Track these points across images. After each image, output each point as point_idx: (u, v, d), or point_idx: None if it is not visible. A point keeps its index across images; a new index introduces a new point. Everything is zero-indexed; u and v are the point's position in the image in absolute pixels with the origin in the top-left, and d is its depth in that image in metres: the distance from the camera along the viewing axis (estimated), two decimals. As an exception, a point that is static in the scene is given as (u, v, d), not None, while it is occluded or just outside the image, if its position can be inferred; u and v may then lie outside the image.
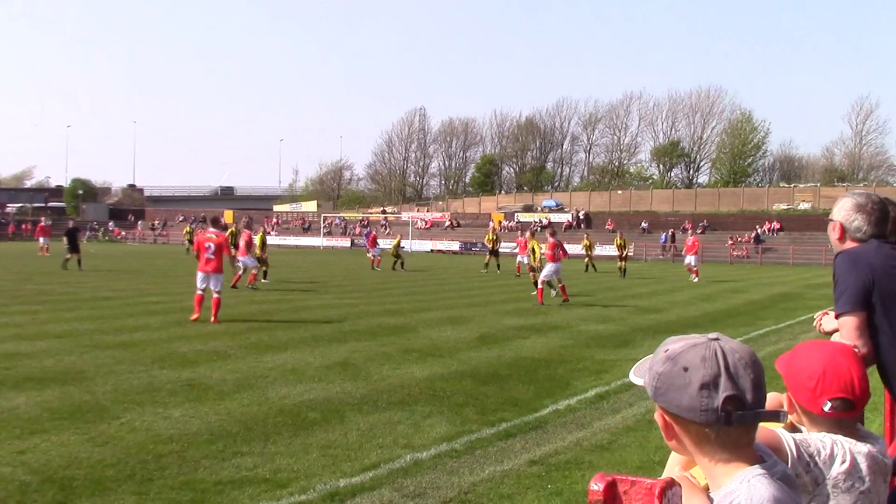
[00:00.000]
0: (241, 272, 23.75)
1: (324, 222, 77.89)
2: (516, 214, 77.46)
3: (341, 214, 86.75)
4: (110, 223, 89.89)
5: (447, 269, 35.89)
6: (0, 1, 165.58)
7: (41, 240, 46.07)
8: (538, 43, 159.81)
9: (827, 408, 2.25)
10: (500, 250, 37.90)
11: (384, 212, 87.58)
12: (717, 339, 1.58)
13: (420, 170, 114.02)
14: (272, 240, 73.67)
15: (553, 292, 21.92)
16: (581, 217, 72.91)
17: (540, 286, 21.44)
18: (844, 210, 3.56)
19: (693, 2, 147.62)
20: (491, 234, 38.54)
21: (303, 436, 7.20)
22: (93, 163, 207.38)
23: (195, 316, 15.37)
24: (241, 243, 24.27)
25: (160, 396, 8.65)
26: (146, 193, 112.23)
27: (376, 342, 13.19)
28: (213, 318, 15.24)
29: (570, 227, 69.40)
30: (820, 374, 2.29)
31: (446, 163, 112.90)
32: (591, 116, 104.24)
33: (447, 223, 77.60)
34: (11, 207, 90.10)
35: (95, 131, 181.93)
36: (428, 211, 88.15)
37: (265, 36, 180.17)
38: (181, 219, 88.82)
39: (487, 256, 37.35)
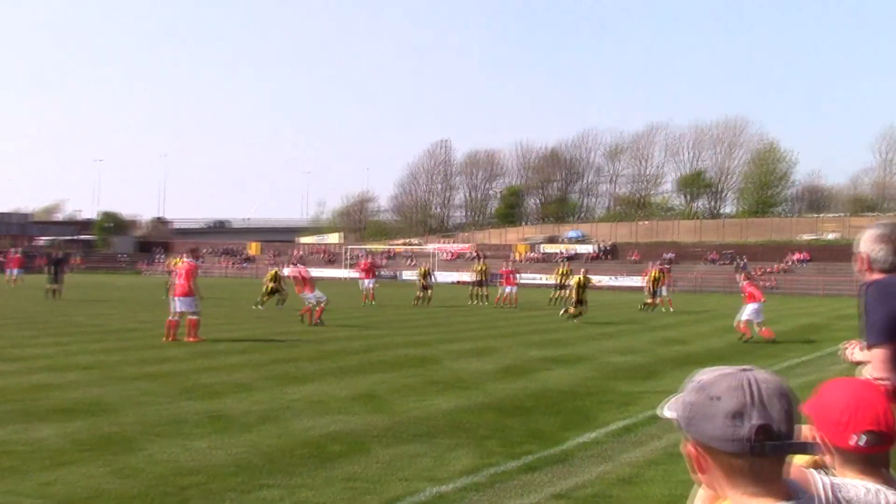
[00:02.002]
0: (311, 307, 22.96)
1: (348, 254, 78.16)
2: (540, 246, 77.37)
3: (366, 246, 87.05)
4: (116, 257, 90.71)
5: (468, 300, 35.81)
6: (31, 37, 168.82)
7: (13, 272, 42.52)
8: (562, 74, 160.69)
9: (855, 441, 2.20)
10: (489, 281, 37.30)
11: (408, 243, 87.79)
12: (748, 370, 1.59)
13: (444, 201, 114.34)
14: (287, 271, 73.92)
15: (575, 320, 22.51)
16: (606, 248, 72.66)
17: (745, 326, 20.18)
18: (868, 241, 3.55)
19: (718, 32, 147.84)
20: (481, 265, 37.96)
21: (326, 468, 7.19)
22: (122, 196, 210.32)
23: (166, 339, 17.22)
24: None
25: (185, 428, 8.69)
26: (174, 226, 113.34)
27: (400, 374, 13.18)
28: (189, 338, 16.97)
29: (595, 258, 69.18)
30: (847, 407, 2.25)
31: (470, 194, 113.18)
32: (616, 147, 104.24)
33: (472, 254, 77.62)
34: (42, 240, 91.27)
35: (125, 164, 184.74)
36: (452, 242, 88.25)
37: (292, 68, 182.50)
38: (209, 250, 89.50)
39: (472, 288, 36.53)
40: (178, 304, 17.46)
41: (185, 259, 18.51)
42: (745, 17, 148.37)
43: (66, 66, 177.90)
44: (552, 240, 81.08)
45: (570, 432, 8.89)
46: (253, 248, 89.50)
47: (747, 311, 20.30)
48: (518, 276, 37.23)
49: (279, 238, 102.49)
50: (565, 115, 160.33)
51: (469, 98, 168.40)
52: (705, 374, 1.63)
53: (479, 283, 35.96)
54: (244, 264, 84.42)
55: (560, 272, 36.05)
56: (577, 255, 70.99)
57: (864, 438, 2.20)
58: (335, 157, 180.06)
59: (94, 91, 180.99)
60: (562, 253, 73.25)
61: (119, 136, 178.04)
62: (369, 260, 37.03)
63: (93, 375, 12.34)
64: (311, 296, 23.16)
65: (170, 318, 17.24)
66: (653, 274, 31.16)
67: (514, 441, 8.40)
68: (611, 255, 71.08)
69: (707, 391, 1.58)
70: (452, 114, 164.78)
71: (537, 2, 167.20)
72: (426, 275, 35.12)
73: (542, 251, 75.64)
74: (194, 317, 17.16)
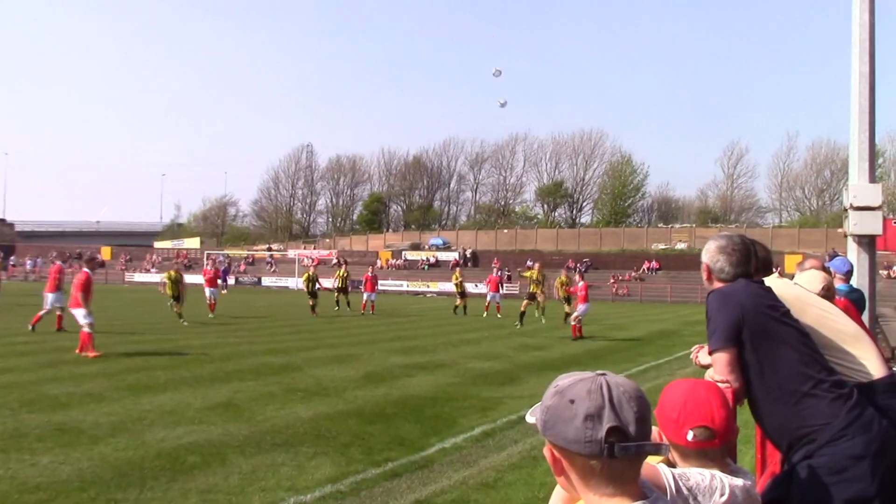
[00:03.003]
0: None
1: (207, 259, 76.07)
2: (404, 252, 77.69)
3: (225, 251, 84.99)
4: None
5: (332, 307, 35.49)
6: None
7: None
8: (426, 82, 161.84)
9: (690, 437, 2.35)
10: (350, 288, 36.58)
11: (270, 249, 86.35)
12: (603, 375, 1.63)
13: (307, 207, 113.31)
14: (147, 277, 71.88)
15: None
16: (468, 255, 73.67)
17: (574, 323, 22.92)
18: (709, 252, 3.76)
19: (577, 46, 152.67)
20: (342, 271, 36.82)
21: (181, 480, 6.93)
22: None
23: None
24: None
25: (27, 442, 8.20)
26: (17, 228, 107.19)
27: (260, 382, 12.90)
28: (89, 353, 15.75)
29: (456, 265, 70.01)
30: (681, 405, 2.41)
31: (334, 200, 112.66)
32: (478, 156, 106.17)
33: (334, 261, 77.08)
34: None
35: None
36: (315, 248, 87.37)
37: (147, 66, 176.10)
38: (54, 255, 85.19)
39: (336, 294, 35.32)
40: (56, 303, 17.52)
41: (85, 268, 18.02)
42: (602, 31, 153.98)
43: None
44: (415, 247, 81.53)
45: (432, 438, 8.92)
46: (105, 253, 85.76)
47: (580, 309, 22.83)
48: (378, 282, 37.11)
49: (133, 242, 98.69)
50: (429, 123, 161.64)
51: (333, 103, 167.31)
52: (563, 379, 1.67)
53: (341, 290, 35.40)
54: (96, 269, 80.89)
55: (456, 278, 36.49)
56: (439, 262, 71.63)
57: (696, 433, 2.35)
58: (193, 160, 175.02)
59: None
60: (425, 260, 73.74)
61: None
62: (212, 268, 33.13)
63: (-76, 387, 11.49)
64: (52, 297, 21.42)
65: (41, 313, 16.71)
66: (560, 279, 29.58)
67: (376, 448, 8.35)
68: (472, 262, 72.04)
69: (564, 395, 1.61)
70: (316, 118, 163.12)
71: (401, 8, 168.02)
72: (313, 281, 33.05)
73: (405, 258, 75.90)
74: (88, 329, 16.07)
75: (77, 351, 15.89)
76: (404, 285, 66.32)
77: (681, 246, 72.12)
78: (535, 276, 26.88)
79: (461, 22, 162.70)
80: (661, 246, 73.33)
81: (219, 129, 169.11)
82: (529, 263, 25.86)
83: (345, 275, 36.13)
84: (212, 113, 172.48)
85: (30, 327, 20.76)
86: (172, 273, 26.40)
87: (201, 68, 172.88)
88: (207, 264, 27.50)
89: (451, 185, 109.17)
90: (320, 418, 9.90)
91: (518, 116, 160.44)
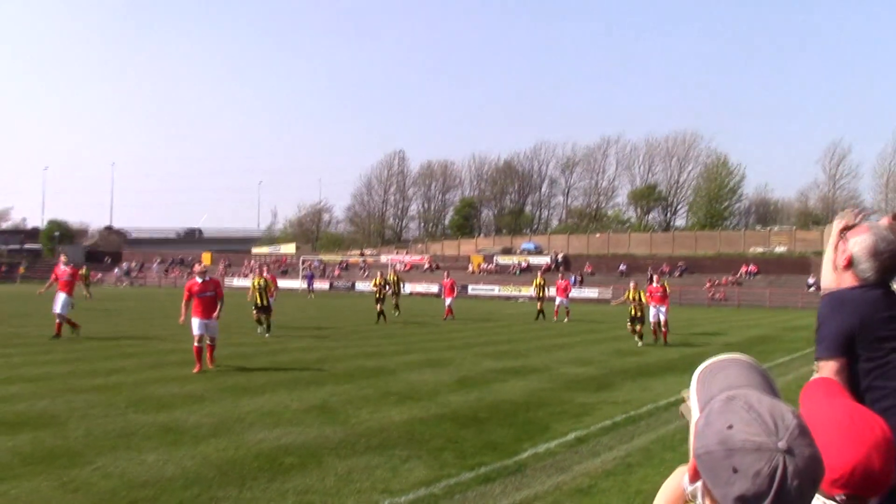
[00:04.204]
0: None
1: (302, 265, 77.67)
2: (495, 257, 77.65)
3: (320, 257, 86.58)
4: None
5: (426, 312, 35.76)
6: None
7: None
8: (517, 87, 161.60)
9: (839, 499, 2.03)
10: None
11: (363, 254, 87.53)
12: (789, 453, 1.30)
13: (399, 212, 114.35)
14: (245, 282, 73.59)
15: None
16: (560, 260, 73.16)
17: (654, 327, 22.81)
18: (861, 247, 3.40)
19: (670, 48, 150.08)
20: (391, 275, 34.29)
21: (279, 481, 7.10)
22: (70, 204, 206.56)
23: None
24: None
25: (135, 441, 8.53)
26: (125, 235, 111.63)
27: (355, 385, 13.09)
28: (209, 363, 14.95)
29: (548, 269, 69.61)
30: (848, 470, 2.01)
31: (426, 205, 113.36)
32: (569, 160, 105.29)
33: (426, 266, 77.65)
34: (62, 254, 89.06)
35: (73, 173, 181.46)
36: (407, 253, 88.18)
37: (245, 77, 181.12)
38: (159, 260, 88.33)
39: (378, 306, 30.18)
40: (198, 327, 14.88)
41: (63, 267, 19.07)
42: (698, 32, 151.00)
43: (11, 71, 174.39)
44: (507, 251, 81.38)
45: (525, 443, 8.90)
46: (206, 259, 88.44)
47: (652, 312, 22.86)
48: (456, 287, 36.67)
49: (232, 248, 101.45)
50: (520, 128, 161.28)
51: (424, 109, 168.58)
52: (741, 427, 1.33)
53: (379, 300, 30.77)
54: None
55: (537, 283, 35.88)
56: (531, 266, 71.32)
57: (848, 500, 2.03)
58: (289, 168, 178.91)
59: (41, 97, 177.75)
60: (517, 265, 73.56)
61: (67, 143, 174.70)
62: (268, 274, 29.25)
63: (39, 387, 12.06)
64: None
65: (196, 343, 14.74)
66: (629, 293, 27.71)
67: (469, 452, 8.38)
68: (564, 266, 71.49)
69: (731, 457, 1.32)
70: (407, 125, 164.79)
71: (492, 14, 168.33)
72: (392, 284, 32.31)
73: (497, 263, 75.84)
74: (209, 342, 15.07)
75: (210, 363, 14.90)
76: (496, 290, 66.21)
77: (780, 249, 69.93)
78: (631, 296, 23.32)
79: (550, 26, 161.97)
80: (760, 249, 71.21)
81: (313, 137, 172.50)
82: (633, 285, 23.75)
83: (395, 279, 34.06)
84: (306, 121, 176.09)
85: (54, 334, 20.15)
86: (258, 280, 23.89)
87: (297, 78, 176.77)
88: (263, 271, 25.47)
89: (543, 190, 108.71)
90: (414, 422, 9.99)
91: (610, 119, 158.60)
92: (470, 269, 75.59)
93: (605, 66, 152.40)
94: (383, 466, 7.71)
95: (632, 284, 23.50)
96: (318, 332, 24.45)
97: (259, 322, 23.05)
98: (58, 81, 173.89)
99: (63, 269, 20.60)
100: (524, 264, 72.22)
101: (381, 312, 29.81)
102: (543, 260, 73.81)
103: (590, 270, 69.24)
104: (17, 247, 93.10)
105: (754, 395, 1.39)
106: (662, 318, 23.02)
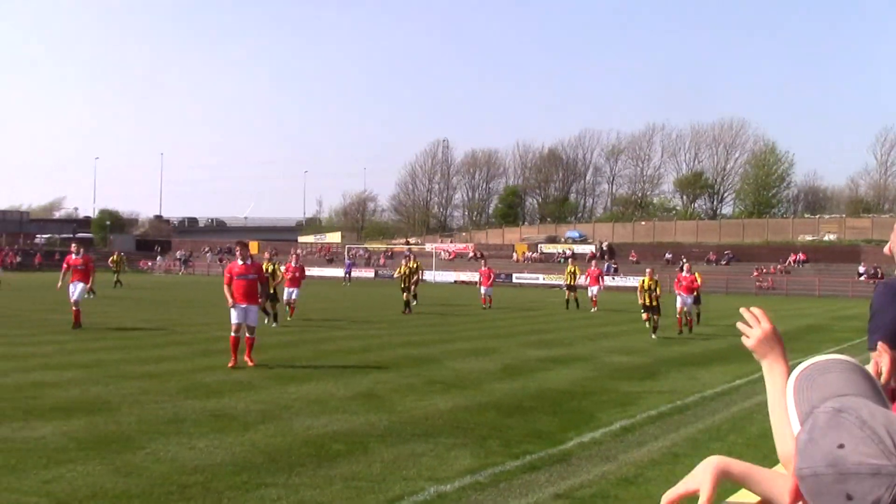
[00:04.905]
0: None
1: (348, 253, 78.18)
2: (540, 245, 77.43)
3: (365, 245, 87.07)
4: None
5: (471, 300, 35.78)
6: (27, 32, 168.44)
7: None
8: (561, 74, 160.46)
9: None
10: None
11: (408, 242, 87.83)
12: None
13: (444, 201, 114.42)
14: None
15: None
16: (604, 248, 72.70)
17: (679, 316, 22.41)
18: None
19: (716, 33, 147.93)
20: (411, 263, 30.60)
21: (326, 467, 7.19)
22: (120, 193, 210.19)
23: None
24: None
25: (185, 427, 8.68)
26: (173, 224, 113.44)
27: (400, 373, 13.18)
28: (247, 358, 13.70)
29: (593, 257, 69.22)
30: None
31: (470, 194, 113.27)
32: (614, 148, 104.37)
33: (471, 254, 77.64)
34: (40, 238, 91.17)
35: (123, 162, 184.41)
36: (452, 242, 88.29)
37: (289, 66, 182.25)
38: (206, 249, 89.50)
39: (406, 295, 28.94)
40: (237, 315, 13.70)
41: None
42: (745, 17, 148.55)
43: (61, 62, 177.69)
44: (552, 240, 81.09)
45: (571, 432, 8.89)
46: (253, 248, 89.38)
47: (678, 301, 22.42)
48: (493, 276, 36.00)
49: (278, 237, 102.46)
50: (564, 115, 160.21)
51: (468, 97, 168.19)
52: (855, 447, 1.15)
53: (406, 289, 29.42)
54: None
55: (568, 272, 35.37)
56: (575, 255, 70.98)
57: None
58: (335, 157, 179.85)
59: (92, 88, 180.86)
60: (561, 253, 73.28)
61: (117, 134, 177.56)
62: (296, 264, 26.12)
63: (92, 374, 12.33)
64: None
65: (234, 333, 13.65)
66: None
67: (514, 441, 8.40)
68: (609, 255, 71.02)
69: (845, 482, 1.14)
70: (451, 113, 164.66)
71: (536, 1, 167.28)
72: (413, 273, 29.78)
73: (541, 251, 75.63)
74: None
75: (246, 357, 13.76)
76: (540, 278, 66.02)
77: (830, 237, 68.76)
78: (646, 284, 21.96)
79: (594, 10, 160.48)
80: (809, 237, 70.09)
81: (359, 126, 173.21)
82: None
83: (413, 267, 30.54)
84: (351, 110, 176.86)
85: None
86: (267, 265, 20.39)
87: (339, 67, 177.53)
88: (291, 259, 24.26)
89: (587, 178, 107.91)
90: (459, 410, 10.03)
91: (655, 106, 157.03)
92: (514, 257, 75.47)
93: (650, 52, 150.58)
94: (429, 454, 7.76)
95: (647, 271, 23.07)
96: (363, 321, 24.62)
97: (265, 312, 20.39)
98: (108, 73, 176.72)
99: (75, 258, 20.38)
100: (569, 253, 71.82)
101: (408, 301, 28.73)
102: (588, 248, 73.42)
103: (634, 259, 68.70)
104: (69, 235, 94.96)
105: (865, 406, 1.21)
106: (687, 307, 22.56)
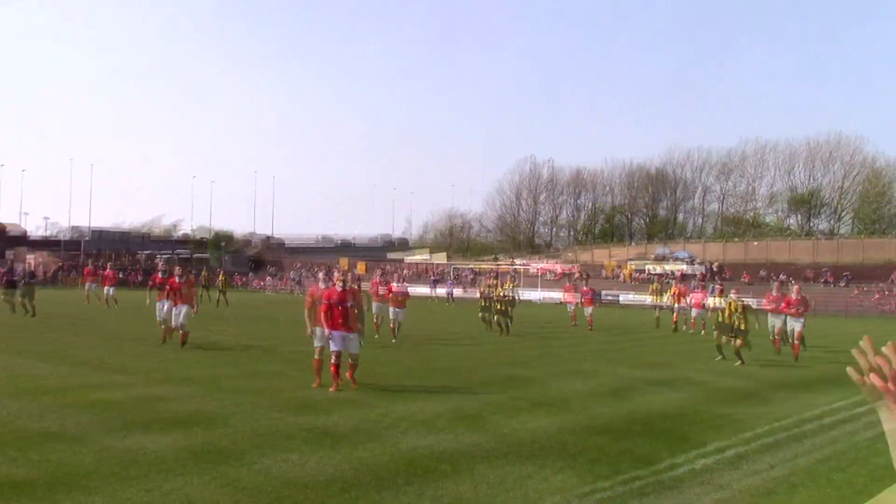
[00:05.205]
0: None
1: (450, 273, 78.58)
2: (647, 265, 76.12)
3: (470, 265, 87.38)
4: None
5: (581, 319, 35.38)
6: (138, 58, 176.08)
7: (106, 289, 38.30)
8: (667, 91, 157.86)
9: None
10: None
11: (512, 262, 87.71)
12: None
13: (547, 220, 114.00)
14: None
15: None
16: (715, 269, 70.87)
17: (775, 337, 22.20)
18: None
19: (831, 46, 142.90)
20: (508, 284, 30.67)
21: (433, 487, 7.22)
22: (233, 214, 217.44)
23: None
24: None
25: (295, 443, 8.87)
26: (285, 245, 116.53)
27: (505, 394, 13.14)
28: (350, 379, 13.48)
29: (703, 278, 67.54)
30: None
31: (574, 213, 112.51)
32: (724, 165, 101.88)
33: (576, 274, 76.92)
34: (159, 258, 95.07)
35: (238, 185, 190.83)
36: (555, 262, 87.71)
37: (384, 86, 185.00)
38: (316, 269, 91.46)
39: (486, 315, 28.29)
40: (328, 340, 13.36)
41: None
42: (861, 30, 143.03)
43: (179, 87, 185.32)
44: (658, 259, 79.63)
45: (680, 458, 8.68)
46: (343, 264, 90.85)
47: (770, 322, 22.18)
48: (597, 295, 35.44)
49: (378, 256, 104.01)
50: (671, 133, 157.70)
51: (571, 114, 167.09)
52: None
53: (503, 312, 27.96)
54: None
55: (671, 293, 34.45)
56: (683, 275, 69.42)
57: None
58: (429, 175, 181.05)
59: (205, 111, 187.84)
60: (669, 273, 71.81)
61: (231, 155, 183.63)
62: (382, 280, 25.92)
63: (208, 389, 12.75)
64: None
65: (325, 359, 13.53)
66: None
67: (622, 465, 8.25)
68: (719, 275, 69.12)
69: None
70: (556, 130, 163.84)
71: (639, 16, 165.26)
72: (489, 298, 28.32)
73: (648, 271, 74.30)
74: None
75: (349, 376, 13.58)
76: (647, 299, 64.79)
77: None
78: (733, 307, 19.52)
79: (699, 24, 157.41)
80: (936, 257, 66.65)
81: (457, 144, 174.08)
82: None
83: (511, 285, 30.90)
84: (447, 127, 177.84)
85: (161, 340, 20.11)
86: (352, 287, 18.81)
87: (438, 84, 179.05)
88: (395, 278, 23.85)
89: (696, 196, 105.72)
90: (565, 432, 9.93)
91: (767, 123, 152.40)
92: (620, 277, 74.40)
93: (760, 67, 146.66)
94: (535, 476, 7.70)
95: (732, 293, 21.75)
96: (469, 341, 24.68)
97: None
98: (221, 98, 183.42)
99: (178, 281, 19.99)
100: (676, 273, 70.28)
101: (493, 322, 27.67)
102: (697, 269, 71.73)
103: (746, 279, 66.70)
104: (187, 256, 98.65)
105: None
106: (782, 328, 22.02)
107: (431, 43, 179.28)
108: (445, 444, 9.05)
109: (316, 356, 13.70)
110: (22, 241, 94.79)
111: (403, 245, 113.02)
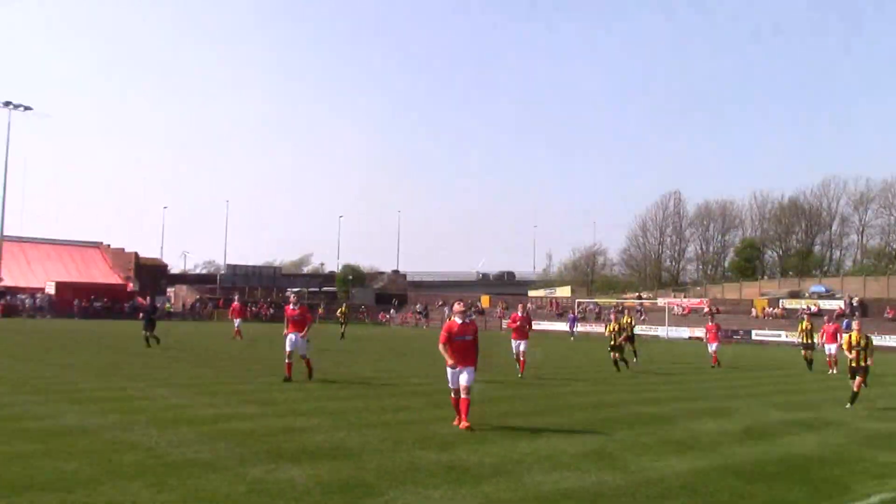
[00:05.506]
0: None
1: (575, 307, 77.71)
2: (781, 301, 73.15)
3: (595, 300, 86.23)
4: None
5: (706, 357, 34.31)
6: (271, 105, 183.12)
7: (236, 321, 39.90)
8: (800, 119, 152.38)
9: None
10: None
11: (640, 297, 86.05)
12: None
13: (676, 254, 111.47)
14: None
15: None
16: (855, 304, 67.42)
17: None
18: None
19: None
20: (625, 319, 29.93)
21: (559, 525, 7.10)
22: (361, 249, 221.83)
23: None
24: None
25: (421, 477, 8.92)
26: (409, 279, 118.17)
27: (633, 431, 12.84)
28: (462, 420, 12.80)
29: (842, 314, 64.39)
30: None
31: (703, 247, 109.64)
32: (863, 196, 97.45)
33: (706, 310, 74.71)
34: (290, 292, 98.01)
35: (365, 220, 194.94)
36: (685, 297, 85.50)
37: (520, 125, 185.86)
38: (441, 303, 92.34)
39: (614, 354, 26.92)
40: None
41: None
42: None
43: (308, 129, 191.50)
44: (794, 295, 76.42)
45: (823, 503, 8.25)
46: (484, 301, 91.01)
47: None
48: (721, 332, 33.45)
49: (509, 291, 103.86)
50: (805, 162, 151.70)
51: (699, 147, 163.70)
52: None
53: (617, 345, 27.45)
54: (474, 317, 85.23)
55: (802, 329, 32.64)
56: (821, 311, 66.41)
57: None
58: (564, 210, 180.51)
59: (334, 152, 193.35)
60: (805, 309, 68.80)
61: (359, 193, 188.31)
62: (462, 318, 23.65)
63: (336, 421, 12.98)
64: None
65: (453, 395, 13.03)
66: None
67: (757, 509, 7.90)
68: (861, 312, 65.73)
69: None
70: (683, 164, 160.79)
71: (769, 45, 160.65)
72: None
73: (783, 307, 71.36)
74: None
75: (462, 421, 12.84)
76: (782, 336, 62.29)
77: None
78: (853, 341, 17.87)
79: (830, 52, 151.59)
80: None
81: (590, 179, 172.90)
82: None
83: (624, 323, 29.26)
84: (582, 163, 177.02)
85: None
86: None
87: (570, 121, 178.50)
88: (518, 311, 24.21)
89: (833, 228, 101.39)
90: (696, 473, 9.61)
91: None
92: (753, 313, 71.76)
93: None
94: (665, 518, 7.47)
95: (854, 325, 18.48)
96: (591, 376, 24.29)
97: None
98: (348, 137, 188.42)
99: (293, 308, 20.25)
100: (814, 309, 67.26)
101: (619, 360, 26.68)
102: (836, 304, 68.42)
103: (891, 315, 63.21)
104: (316, 290, 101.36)
105: None
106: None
107: (559, 92, 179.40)
108: (570, 481, 8.91)
109: (452, 395, 13.02)
110: (181, 278, 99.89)
111: (528, 279, 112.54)
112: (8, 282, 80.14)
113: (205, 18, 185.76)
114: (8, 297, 75.92)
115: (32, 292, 79.55)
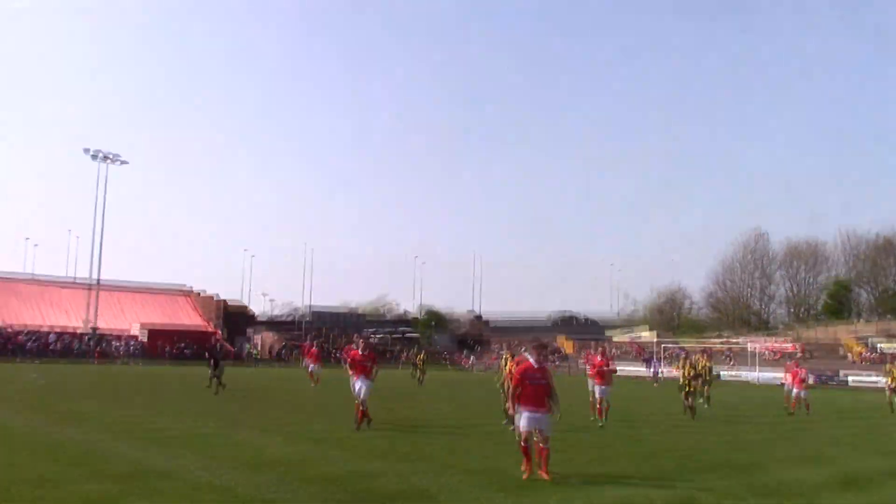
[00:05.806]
0: None
1: (659, 351, 76.10)
2: (877, 344, 70.29)
3: (680, 344, 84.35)
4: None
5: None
6: (362, 156, 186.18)
7: (311, 366, 38.95)
8: (889, 152, 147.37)
9: None
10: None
11: (727, 340, 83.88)
12: None
13: (763, 295, 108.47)
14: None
15: None
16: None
17: None
18: None
19: None
20: (701, 362, 29.69)
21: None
22: (441, 292, 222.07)
23: None
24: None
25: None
26: (490, 323, 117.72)
27: (721, 479, 12.34)
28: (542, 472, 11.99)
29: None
30: None
31: (793, 288, 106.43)
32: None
33: (797, 353, 72.32)
34: (374, 338, 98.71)
35: (443, 262, 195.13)
36: (774, 339, 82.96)
37: (597, 160, 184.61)
38: (523, 349, 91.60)
39: (689, 398, 25.61)
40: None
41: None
42: None
43: (380, 172, 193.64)
44: (891, 336, 73.36)
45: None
46: (567, 346, 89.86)
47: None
48: (809, 375, 31.54)
49: (589, 334, 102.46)
50: (885, 196, 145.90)
51: (785, 186, 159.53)
52: None
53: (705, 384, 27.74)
54: (557, 362, 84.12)
55: (886, 370, 30.89)
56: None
57: None
58: (645, 251, 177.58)
59: (411, 194, 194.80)
60: (899, 352, 65.98)
61: (437, 235, 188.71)
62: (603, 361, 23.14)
63: (416, 466, 12.83)
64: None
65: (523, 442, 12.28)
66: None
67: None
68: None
69: None
70: (769, 202, 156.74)
71: (854, 80, 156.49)
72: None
73: (879, 350, 68.55)
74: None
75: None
76: (880, 380, 59.72)
77: None
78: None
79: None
80: None
81: (670, 220, 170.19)
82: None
83: (705, 365, 29.40)
84: (658, 202, 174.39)
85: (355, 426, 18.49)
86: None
87: (643, 157, 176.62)
88: (598, 354, 23.82)
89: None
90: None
91: None
92: (847, 356, 69.11)
93: None
94: (758, 572, 7.08)
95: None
96: (683, 423, 23.59)
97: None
98: (430, 178, 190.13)
99: (361, 353, 19.58)
100: (906, 352, 64.42)
101: (690, 407, 25.32)
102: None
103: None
104: (399, 335, 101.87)
105: None
106: None
107: (647, 114, 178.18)
108: (658, 532, 8.56)
109: (522, 442, 12.29)
110: (265, 323, 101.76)
111: (628, 323, 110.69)
112: (102, 325, 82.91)
113: (282, 63, 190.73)
114: (103, 345, 78.41)
115: (125, 338, 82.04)
